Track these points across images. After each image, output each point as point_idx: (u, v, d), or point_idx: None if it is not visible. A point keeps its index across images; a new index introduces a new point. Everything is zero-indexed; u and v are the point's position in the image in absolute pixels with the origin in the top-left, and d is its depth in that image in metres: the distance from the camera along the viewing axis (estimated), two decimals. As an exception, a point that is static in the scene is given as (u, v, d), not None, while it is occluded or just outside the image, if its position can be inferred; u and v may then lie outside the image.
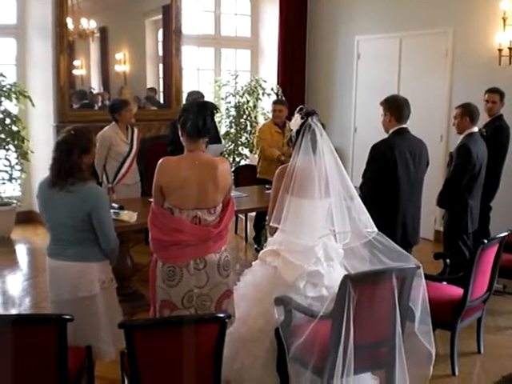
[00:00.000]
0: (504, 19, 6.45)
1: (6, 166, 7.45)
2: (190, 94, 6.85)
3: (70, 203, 3.35)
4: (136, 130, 6.12)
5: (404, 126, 4.53)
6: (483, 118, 5.64)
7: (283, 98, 7.95)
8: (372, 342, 3.34)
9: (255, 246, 6.94)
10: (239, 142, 8.86)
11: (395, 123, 4.52)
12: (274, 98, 8.73)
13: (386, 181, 4.43)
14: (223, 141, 8.28)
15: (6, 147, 7.35)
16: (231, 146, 8.77)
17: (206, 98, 6.95)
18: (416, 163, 4.53)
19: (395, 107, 4.53)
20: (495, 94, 5.89)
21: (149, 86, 8.59)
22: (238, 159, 8.88)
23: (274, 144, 6.76)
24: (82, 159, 3.41)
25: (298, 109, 3.74)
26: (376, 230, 3.52)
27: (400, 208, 4.48)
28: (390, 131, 4.56)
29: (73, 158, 3.35)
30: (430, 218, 7.22)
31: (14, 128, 7.33)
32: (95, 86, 8.20)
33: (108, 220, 3.51)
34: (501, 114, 5.92)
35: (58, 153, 3.38)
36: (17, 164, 7.47)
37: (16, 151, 7.38)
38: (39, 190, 3.48)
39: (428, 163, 4.72)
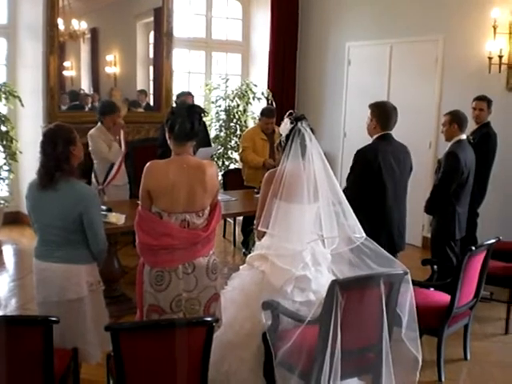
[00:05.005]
0: (494, 27, 6.49)
1: (-7, 166, 7.41)
2: (180, 94, 6.85)
3: (61, 204, 3.32)
4: (122, 131, 6.10)
5: (389, 131, 4.54)
6: (471, 126, 5.67)
7: (272, 106, 7.83)
8: (359, 348, 3.34)
9: (243, 250, 6.93)
10: (229, 146, 8.85)
11: (380, 130, 4.52)
12: (264, 102, 8.75)
13: (371, 186, 4.42)
14: (213, 144, 8.26)
15: (-5, 147, 7.31)
16: (220, 150, 8.77)
17: (196, 102, 6.94)
18: (401, 168, 4.53)
19: (383, 115, 4.51)
20: (482, 101, 5.94)
21: (139, 88, 8.59)
22: (227, 163, 8.87)
23: (257, 151, 6.75)
24: (70, 151, 3.37)
25: (287, 113, 3.74)
26: (364, 235, 3.52)
27: (386, 213, 4.48)
28: (374, 136, 4.56)
29: (58, 149, 3.30)
30: (418, 225, 7.25)
31: (3, 128, 7.28)
32: (85, 87, 8.16)
33: (99, 221, 3.49)
34: (488, 122, 5.96)
35: (44, 147, 3.35)
36: (5, 164, 7.41)
37: (4, 151, 7.33)
38: (29, 191, 3.44)
39: (411, 168, 4.72)
